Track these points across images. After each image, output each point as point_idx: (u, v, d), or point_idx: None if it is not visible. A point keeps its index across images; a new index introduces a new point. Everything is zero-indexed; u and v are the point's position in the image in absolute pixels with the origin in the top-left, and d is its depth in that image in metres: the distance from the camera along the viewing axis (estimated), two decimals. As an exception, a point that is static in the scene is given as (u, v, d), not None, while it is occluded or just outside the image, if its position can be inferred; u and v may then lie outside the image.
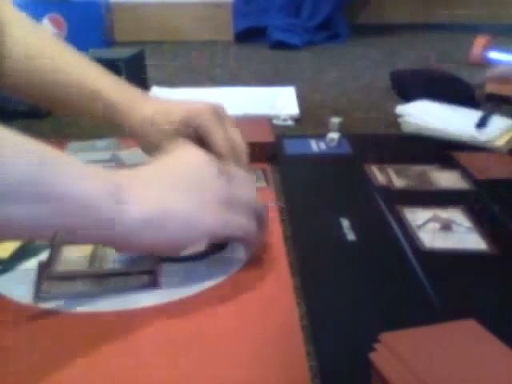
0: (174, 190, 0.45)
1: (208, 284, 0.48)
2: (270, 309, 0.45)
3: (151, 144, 0.60)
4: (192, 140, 0.59)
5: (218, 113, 0.59)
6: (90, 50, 1.24)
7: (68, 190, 0.39)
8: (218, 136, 0.57)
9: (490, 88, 1.04)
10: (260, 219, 0.50)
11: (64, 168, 0.41)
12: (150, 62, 1.30)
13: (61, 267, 0.50)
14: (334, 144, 0.82)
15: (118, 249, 0.46)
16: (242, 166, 0.57)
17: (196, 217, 0.45)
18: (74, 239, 0.43)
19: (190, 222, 0.45)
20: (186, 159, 0.50)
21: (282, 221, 0.60)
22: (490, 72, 1.07)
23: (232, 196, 0.48)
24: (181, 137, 0.58)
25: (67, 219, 0.40)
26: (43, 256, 0.52)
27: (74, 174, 0.41)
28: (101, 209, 0.41)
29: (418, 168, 0.73)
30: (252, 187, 0.52)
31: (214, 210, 0.46)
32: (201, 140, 0.59)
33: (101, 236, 0.43)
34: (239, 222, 0.48)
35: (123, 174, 0.45)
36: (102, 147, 0.77)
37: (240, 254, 0.53)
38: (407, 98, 1.05)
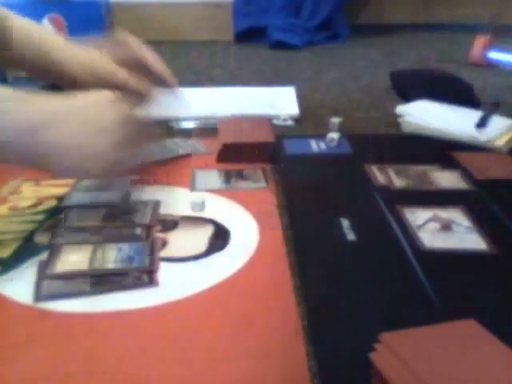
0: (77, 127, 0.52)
1: (208, 284, 0.48)
2: (270, 309, 0.45)
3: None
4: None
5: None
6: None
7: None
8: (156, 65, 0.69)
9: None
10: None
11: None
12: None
13: (61, 267, 0.50)
14: (333, 144, 0.82)
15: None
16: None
17: (89, 145, 0.52)
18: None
19: (85, 151, 0.51)
20: (91, 99, 0.55)
21: (282, 221, 0.60)
22: None
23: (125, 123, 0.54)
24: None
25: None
26: (43, 256, 0.52)
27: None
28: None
29: (417, 168, 0.73)
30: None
31: (107, 137, 0.52)
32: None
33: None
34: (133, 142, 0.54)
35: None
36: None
37: (240, 253, 0.53)
38: (407, 98, 1.05)
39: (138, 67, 0.69)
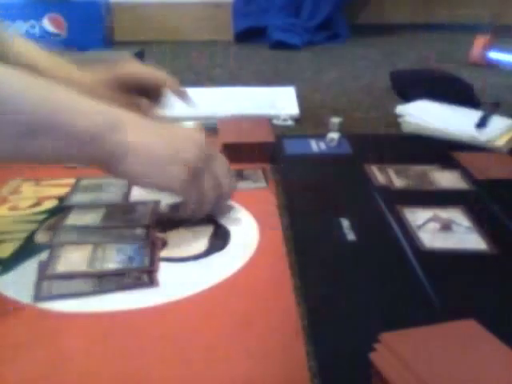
0: (159, 138, 0.54)
1: (208, 284, 0.48)
2: (270, 309, 0.45)
3: None
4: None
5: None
6: (90, 50, 1.24)
7: (76, 125, 0.48)
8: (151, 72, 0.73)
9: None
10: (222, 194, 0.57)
11: (72, 107, 0.50)
12: (149, 62, 1.30)
13: (61, 267, 0.50)
14: (334, 144, 0.82)
15: (106, 169, 0.53)
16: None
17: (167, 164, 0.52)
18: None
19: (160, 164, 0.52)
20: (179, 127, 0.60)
21: (282, 221, 0.60)
22: None
23: (203, 165, 0.54)
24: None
25: (78, 150, 0.49)
26: (43, 256, 0.52)
27: (81, 110, 0.50)
28: (104, 140, 0.50)
29: (417, 168, 0.73)
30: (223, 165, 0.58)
31: (183, 165, 0.52)
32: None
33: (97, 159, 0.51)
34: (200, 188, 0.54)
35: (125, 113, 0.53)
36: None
37: (240, 253, 0.53)
38: (407, 98, 1.05)
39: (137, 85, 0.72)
